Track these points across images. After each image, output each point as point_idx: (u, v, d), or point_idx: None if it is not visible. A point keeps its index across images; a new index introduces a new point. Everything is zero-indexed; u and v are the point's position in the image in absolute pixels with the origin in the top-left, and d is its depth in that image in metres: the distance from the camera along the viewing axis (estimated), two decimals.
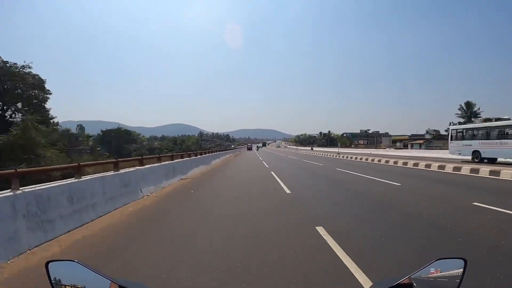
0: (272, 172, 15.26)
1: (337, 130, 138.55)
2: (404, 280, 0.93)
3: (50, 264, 0.89)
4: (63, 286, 0.86)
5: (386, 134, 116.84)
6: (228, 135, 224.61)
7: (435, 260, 0.97)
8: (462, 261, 0.98)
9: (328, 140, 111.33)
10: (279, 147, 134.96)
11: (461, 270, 0.96)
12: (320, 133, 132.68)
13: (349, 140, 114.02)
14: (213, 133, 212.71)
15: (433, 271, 0.96)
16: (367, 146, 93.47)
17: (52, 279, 0.86)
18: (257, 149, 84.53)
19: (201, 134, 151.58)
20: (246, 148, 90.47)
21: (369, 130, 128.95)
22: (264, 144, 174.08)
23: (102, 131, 72.44)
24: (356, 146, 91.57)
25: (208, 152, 26.45)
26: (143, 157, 10.43)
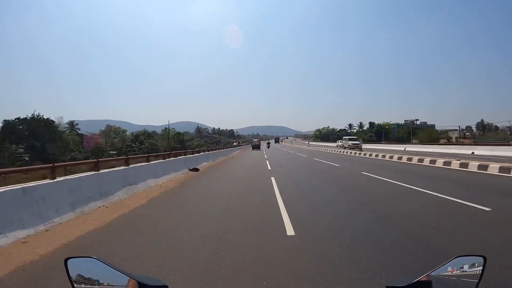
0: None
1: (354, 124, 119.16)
2: (423, 277, 0.92)
3: (69, 260, 0.90)
4: (82, 282, 0.88)
5: (428, 125, 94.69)
6: (232, 130, 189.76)
7: (454, 258, 0.95)
8: (481, 259, 0.96)
9: (377, 132, 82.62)
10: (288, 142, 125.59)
11: (481, 267, 0.95)
12: (350, 125, 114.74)
13: (436, 132, 72.44)
14: (214, 128, 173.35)
15: (452, 268, 0.95)
16: (474, 140, 56.07)
17: (71, 276, 0.88)
18: (268, 147, 58.27)
19: (198, 129, 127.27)
20: (251, 147, 56.03)
21: (416, 120, 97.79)
22: (277, 140, 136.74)
23: (4, 121, 48.65)
24: (458, 141, 54.93)
25: (183, 154, 16.50)
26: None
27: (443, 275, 0.93)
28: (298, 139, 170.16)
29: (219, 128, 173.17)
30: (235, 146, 58.66)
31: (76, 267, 0.90)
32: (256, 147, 53.74)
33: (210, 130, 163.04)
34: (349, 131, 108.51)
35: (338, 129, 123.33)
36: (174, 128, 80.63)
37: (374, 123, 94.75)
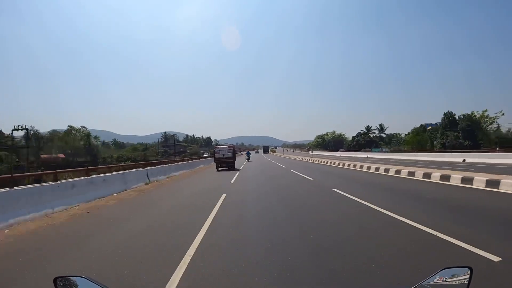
0: None
1: (347, 132, 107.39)
2: None
3: (58, 279, 0.89)
4: None
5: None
6: (209, 138, 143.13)
7: (441, 270, 0.98)
8: (467, 270, 0.99)
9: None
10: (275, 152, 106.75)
11: (467, 278, 0.98)
12: (368, 127, 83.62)
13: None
14: (187, 135, 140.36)
15: (439, 280, 0.97)
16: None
17: None
18: (247, 159, 38.89)
19: (165, 136, 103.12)
20: (216, 163, 22.58)
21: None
22: (266, 150, 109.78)
23: None
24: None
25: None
26: None
27: (431, 287, 0.96)
28: (288, 149, 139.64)
29: (193, 136, 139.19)
30: (205, 157, 39.98)
31: (65, 286, 0.89)
32: (220, 163, 22.61)
33: (181, 138, 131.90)
34: (377, 134, 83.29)
35: (339, 135, 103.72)
36: (91, 133, 54.91)
37: (383, 126, 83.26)
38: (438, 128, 49.14)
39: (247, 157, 40.39)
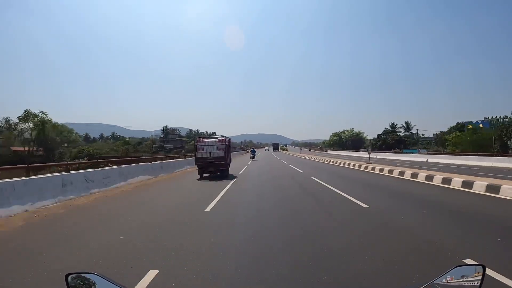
0: None
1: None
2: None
3: (70, 276, 0.90)
4: None
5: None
6: (214, 132, 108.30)
7: (454, 267, 0.96)
8: (481, 267, 0.98)
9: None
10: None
11: (480, 276, 0.96)
12: (393, 124, 72.76)
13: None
14: (190, 130, 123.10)
15: (452, 278, 0.95)
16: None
17: None
18: (252, 157, 33.96)
19: (166, 131, 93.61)
20: (198, 167, 14.40)
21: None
22: (276, 147, 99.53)
23: None
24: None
25: None
26: None
27: (443, 285, 0.94)
28: (303, 147, 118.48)
29: (197, 131, 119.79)
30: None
31: (77, 283, 0.90)
32: (208, 165, 14.38)
33: (184, 133, 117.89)
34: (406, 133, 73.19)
35: (357, 133, 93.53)
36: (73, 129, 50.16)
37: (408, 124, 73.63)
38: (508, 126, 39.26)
39: (251, 155, 34.33)
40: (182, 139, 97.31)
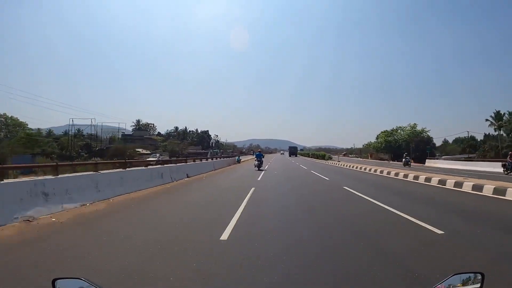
0: None
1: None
2: None
3: (57, 281, 0.88)
4: None
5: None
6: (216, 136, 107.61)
7: (453, 275, 0.95)
8: (479, 275, 0.96)
9: None
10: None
11: (479, 284, 0.95)
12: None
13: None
14: (192, 131, 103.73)
15: (450, 286, 0.94)
16: None
17: None
18: (258, 167, 19.47)
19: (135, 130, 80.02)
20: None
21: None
22: (294, 152, 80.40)
23: None
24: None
25: None
26: None
27: None
28: (341, 155, 75.95)
29: (197, 130, 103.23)
30: (151, 163, 16.40)
31: (63, 287, 0.88)
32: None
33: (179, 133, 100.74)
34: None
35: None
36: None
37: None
38: None
39: (257, 162, 20.17)
40: (155, 138, 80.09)
